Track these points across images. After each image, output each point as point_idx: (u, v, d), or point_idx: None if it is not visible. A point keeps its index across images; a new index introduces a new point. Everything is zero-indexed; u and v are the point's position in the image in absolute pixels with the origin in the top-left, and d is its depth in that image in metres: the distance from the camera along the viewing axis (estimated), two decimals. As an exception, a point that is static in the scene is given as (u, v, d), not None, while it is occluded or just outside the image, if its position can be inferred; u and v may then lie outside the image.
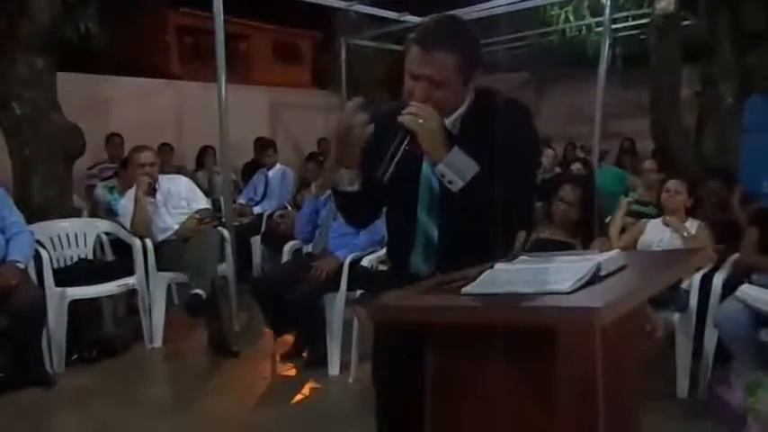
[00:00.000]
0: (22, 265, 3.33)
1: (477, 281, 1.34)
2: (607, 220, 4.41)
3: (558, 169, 6.28)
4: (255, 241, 5.37)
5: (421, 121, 1.52)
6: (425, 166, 1.69)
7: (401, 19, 6.42)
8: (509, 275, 1.37)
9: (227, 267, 4.24)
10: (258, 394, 3.40)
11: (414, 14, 6.30)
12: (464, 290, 1.31)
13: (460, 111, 1.65)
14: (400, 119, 1.53)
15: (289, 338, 3.84)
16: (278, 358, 3.78)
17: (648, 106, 5.26)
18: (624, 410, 1.66)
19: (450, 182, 1.54)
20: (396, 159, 1.53)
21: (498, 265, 1.45)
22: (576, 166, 5.32)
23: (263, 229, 5.45)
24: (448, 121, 1.62)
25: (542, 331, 1.21)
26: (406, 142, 1.54)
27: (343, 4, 6.31)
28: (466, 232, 1.63)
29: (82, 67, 6.41)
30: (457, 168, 1.52)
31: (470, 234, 1.62)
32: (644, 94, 5.46)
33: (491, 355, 1.31)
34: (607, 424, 1.54)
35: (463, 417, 1.39)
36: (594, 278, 1.29)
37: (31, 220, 3.64)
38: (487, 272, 1.40)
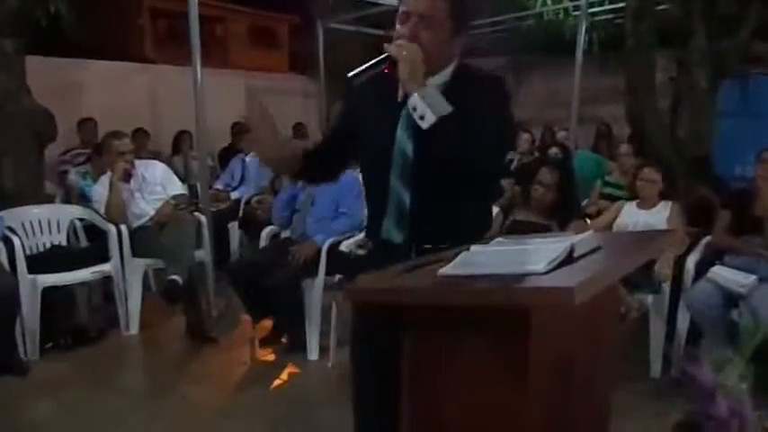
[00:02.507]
0: None
1: (454, 262, 1.34)
2: (584, 203, 4.45)
3: (536, 153, 6.31)
4: (233, 227, 5.33)
5: (404, 52, 1.56)
6: (399, 131, 1.70)
7: (380, 1, 6.36)
8: (485, 257, 1.38)
9: (204, 253, 4.20)
10: (236, 380, 3.39)
11: (393, -3, 6.25)
12: (440, 271, 1.31)
13: (444, 77, 1.67)
14: (385, 47, 1.57)
15: (267, 324, 3.84)
16: (256, 344, 3.77)
17: (624, 91, 5.29)
18: (597, 389, 1.69)
19: (421, 117, 1.54)
20: (370, 71, 1.59)
21: (474, 248, 1.45)
22: (553, 151, 5.35)
23: (240, 214, 5.41)
24: (433, 83, 1.62)
25: (517, 311, 1.22)
26: (385, 64, 1.58)
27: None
28: (438, 201, 1.66)
29: (53, 51, 6.26)
30: (430, 102, 1.54)
31: (442, 203, 1.65)
32: (620, 78, 5.49)
33: (467, 337, 1.32)
34: (580, 402, 1.56)
35: (441, 397, 1.40)
36: (568, 259, 1.30)
37: (1, 206, 3.58)
38: (464, 253, 1.40)
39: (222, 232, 5.11)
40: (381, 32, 7.34)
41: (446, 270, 1.31)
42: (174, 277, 3.57)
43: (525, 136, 6.39)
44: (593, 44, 7.61)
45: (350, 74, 1.60)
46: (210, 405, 3.08)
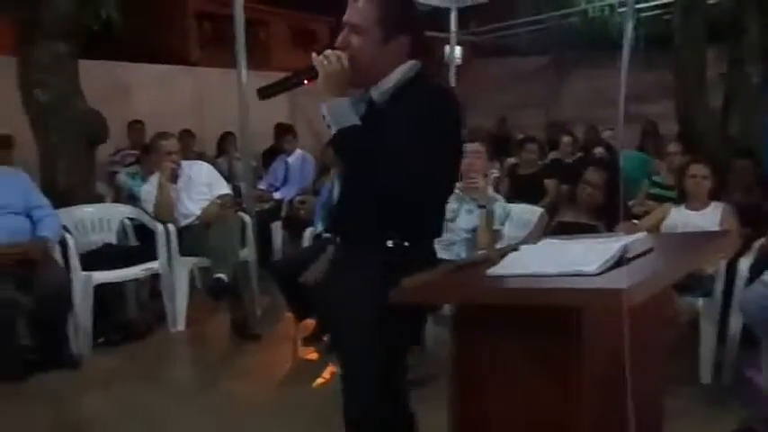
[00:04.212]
0: (50, 243, 3.40)
1: (502, 262, 1.33)
2: (630, 203, 4.36)
3: (579, 153, 6.21)
4: (276, 227, 5.39)
5: (325, 62, 1.63)
6: None
7: (419, 2, 6.35)
8: (534, 257, 1.37)
9: (248, 252, 4.27)
10: (279, 377, 3.43)
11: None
12: (489, 271, 1.30)
13: (392, 84, 1.68)
14: (313, 57, 1.66)
15: (310, 322, 3.87)
16: (299, 342, 3.81)
17: (673, 88, 5.16)
18: (648, 393, 1.65)
19: (328, 125, 1.63)
20: (287, 87, 1.70)
21: (523, 247, 1.44)
22: (598, 150, 5.25)
23: (283, 214, 5.47)
24: (376, 92, 1.68)
25: (568, 313, 1.20)
26: (305, 76, 1.67)
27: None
28: (351, 198, 1.73)
29: (103, 54, 6.46)
30: (335, 115, 1.61)
31: (352, 201, 1.73)
32: (667, 75, 5.36)
33: (515, 337, 1.31)
34: (630, 406, 1.53)
35: (487, 397, 1.39)
36: (621, 260, 1.28)
37: (56, 205, 3.68)
38: (512, 253, 1.39)
39: (266, 232, 5.18)
40: (425, 33, 7.33)
41: (495, 270, 1.30)
42: (220, 275, 3.63)
43: (565, 139, 6.26)
44: (639, 40, 7.45)
45: (259, 88, 1.72)
46: (253, 401, 3.12)
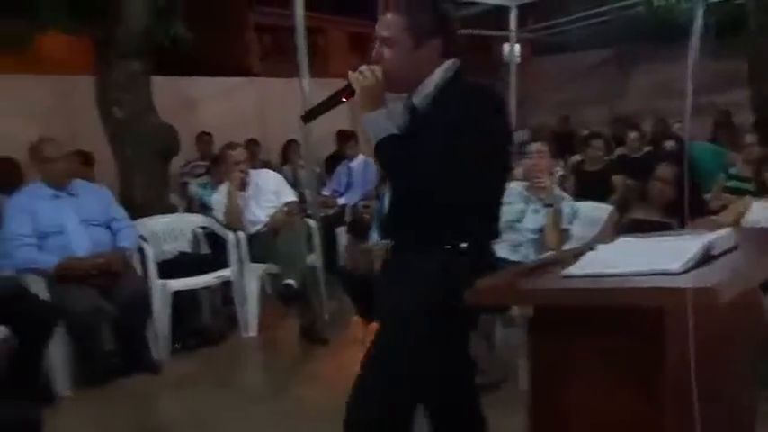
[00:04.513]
0: (128, 252, 3.57)
1: (579, 262, 1.31)
2: (706, 197, 4.18)
3: (648, 148, 6.01)
4: (341, 232, 5.45)
5: (360, 78, 1.68)
6: None
7: (479, 1, 6.30)
8: (612, 256, 1.34)
9: (315, 258, 4.34)
10: (348, 382, 3.45)
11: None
12: (565, 271, 1.28)
13: (432, 88, 1.70)
14: (349, 74, 1.71)
15: (377, 326, 3.89)
16: (367, 345, 3.83)
17: (747, 76, 4.92)
18: (736, 396, 1.58)
19: (368, 139, 1.70)
20: (328, 107, 1.76)
21: (600, 246, 1.41)
22: (669, 144, 5.06)
23: (347, 219, 5.53)
24: (417, 98, 1.71)
25: (651, 313, 1.17)
26: (344, 94, 1.73)
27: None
28: (401, 206, 1.74)
29: (171, 70, 6.71)
30: (373, 127, 1.67)
31: (403, 208, 1.74)
32: (739, 63, 5.11)
33: (595, 338, 1.28)
34: (719, 410, 1.47)
35: (567, 399, 1.36)
36: (705, 258, 1.23)
37: (133, 217, 3.85)
38: (589, 253, 1.36)
39: (331, 237, 5.25)
40: (483, 32, 7.27)
41: (571, 270, 1.28)
42: (290, 281, 3.71)
43: (632, 134, 6.07)
44: (708, 28, 7.15)
45: (302, 115, 1.83)
46: (322, 406, 3.15)
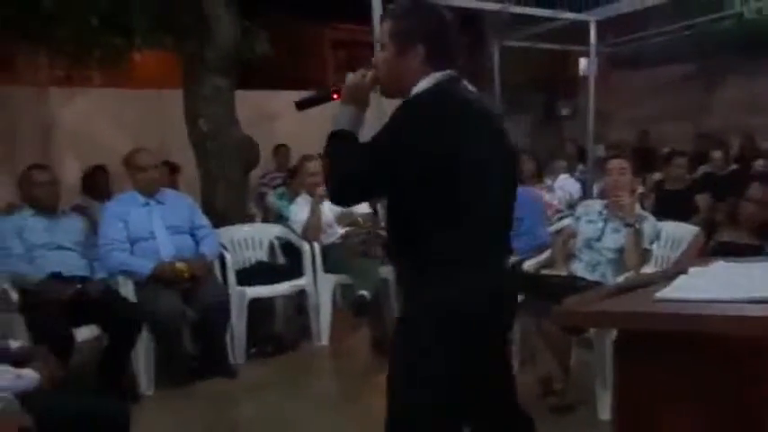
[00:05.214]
0: (209, 259, 3.71)
1: (672, 285, 1.28)
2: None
3: (734, 166, 5.74)
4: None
5: (351, 75, 1.78)
6: None
7: (554, 17, 6.22)
8: (706, 281, 1.29)
9: (387, 270, 4.36)
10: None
11: (572, 10, 6.06)
12: (657, 294, 1.25)
13: (412, 95, 1.72)
14: (347, 75, 1.80)
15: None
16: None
17: None
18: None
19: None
20: (319, 100, 1.90)
21: (693, 270, 1.37)
22: (759, 163, 4.81)
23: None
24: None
25: (749, 342, 1.12)
26: (334, 91, 1.83)
27: (496, 6, 6.23)
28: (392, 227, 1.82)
29: (251, 84, 6.96)
30: (337, 120, 1.77)
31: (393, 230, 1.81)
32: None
33: (686, 366, 1.24)
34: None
35: (654, 427, 1.33)
36: (809, 285, 1.18)
37: (215, 225, 4.01)
38: (682, 276, 1.33)
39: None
40: (556, 47, 7.18)
41: (664, 293, 1.25)
42: (363, 292, 3.75)
43: (716, 153, 5.80)
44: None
45: (296, 101, 1.95)
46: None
